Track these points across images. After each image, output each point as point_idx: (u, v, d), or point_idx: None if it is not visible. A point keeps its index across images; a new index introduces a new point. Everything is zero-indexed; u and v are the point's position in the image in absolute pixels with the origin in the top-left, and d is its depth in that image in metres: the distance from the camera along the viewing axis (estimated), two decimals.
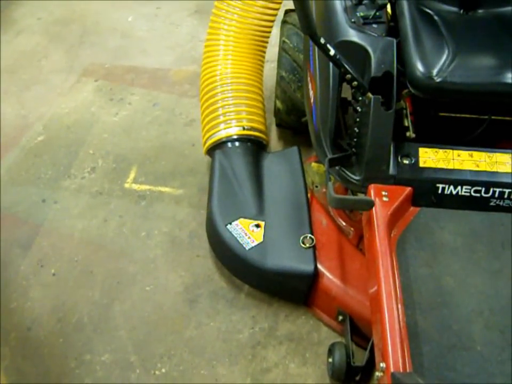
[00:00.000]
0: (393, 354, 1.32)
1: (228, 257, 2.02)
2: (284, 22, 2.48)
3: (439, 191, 1.68)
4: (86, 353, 1.92)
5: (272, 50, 2.62)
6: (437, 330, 1.41)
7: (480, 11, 1.86)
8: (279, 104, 2.48)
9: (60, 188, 2.48)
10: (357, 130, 1.73)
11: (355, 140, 1.75)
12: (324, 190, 2.18)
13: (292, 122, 2.52)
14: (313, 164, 2.28)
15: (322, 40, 1.52)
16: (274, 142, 2.67)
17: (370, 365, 1.71)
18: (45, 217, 2.36)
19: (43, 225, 2.33)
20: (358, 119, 1.72)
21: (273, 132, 2.71)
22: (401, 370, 1.29)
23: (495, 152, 1.73)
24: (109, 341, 1.95)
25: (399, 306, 1.42)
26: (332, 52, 1.56)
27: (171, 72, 3.14)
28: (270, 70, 2.85)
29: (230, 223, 1.99)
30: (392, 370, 1.29)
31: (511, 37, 1.77)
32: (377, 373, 1.37)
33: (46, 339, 1.96)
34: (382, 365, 1.33)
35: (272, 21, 2.40)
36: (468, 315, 1.45)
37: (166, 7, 3.68)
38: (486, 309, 1.46)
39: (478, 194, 1.68)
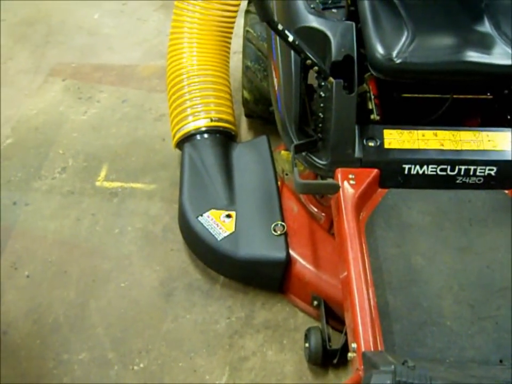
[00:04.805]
0: (363, 334, 1.33)
1: (200, 249, 2.03)
2: (247, 11, 2.47)
3: (406, 172, 1.69)
4: (63, 353, 1.91)
5: (240, 42, 2.61)
6: (407, 308, 1.43)
7: None
8: (246, 94, 2.47)
9: (30, 190, 2.45)
10: (322, 116, 1.74)
11: (320, 125, 1.75)
12: None
13: (260, 112, 2.52)
14: (283, 152, 2.28)
15: (280, 27, 1.52)
16: (245, 133, 2.67)
17: (347, 347, 1.72)
18: (17, 219, 2.33)
19: (15, 227, 2.30)
20: (322, 104, 1.73)
21: (243, 123, 2.70)
22: (372, 349, 1.31)
23: (459, 130, 1.74)
24: (86, 339, 1.95)
25: (369, 287, 1.44)
26: (291, 38, 1.56)
27: (139, 68, 3.12)
28: (238, 61, 2.83)
29: (201, 215, 1.99)
30: (363, 349, 1.30)
31: (470, 16, 1.78)
32: (349, 354, 1.38)
33: (23, 341, 1.95)
34: (354, 345, 1.35)
35: (236, 11, 2.39)
36: (437, 291, 1.47)
37: (132, 2, 3.64)
38: (455, 284, 1.48)
39: (444, 173, 1.69)
